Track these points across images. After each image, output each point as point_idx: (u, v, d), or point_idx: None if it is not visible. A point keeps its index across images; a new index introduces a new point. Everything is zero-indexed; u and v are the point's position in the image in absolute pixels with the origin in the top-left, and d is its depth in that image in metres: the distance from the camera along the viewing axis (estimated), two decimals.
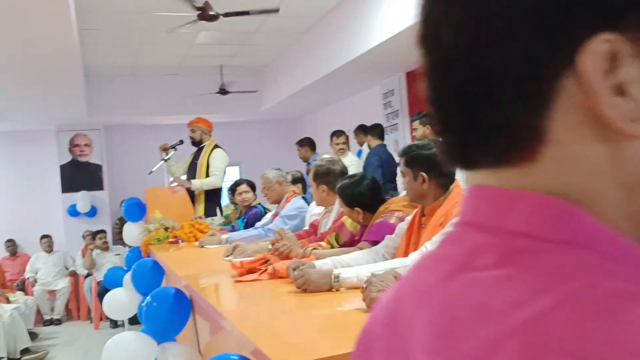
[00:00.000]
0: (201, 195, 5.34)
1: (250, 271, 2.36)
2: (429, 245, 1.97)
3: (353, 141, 6.59)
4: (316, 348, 1.26)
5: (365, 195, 2.65)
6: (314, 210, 3.69)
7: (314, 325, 1.53)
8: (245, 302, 1.99)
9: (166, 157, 5.45)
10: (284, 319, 1.63)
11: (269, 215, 4.44)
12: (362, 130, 6.37)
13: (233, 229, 4.60)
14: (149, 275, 3.68)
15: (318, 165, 3.18)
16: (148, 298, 2.58)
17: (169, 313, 2.52)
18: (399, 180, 5.78)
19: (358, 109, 7.73)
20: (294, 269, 2.04)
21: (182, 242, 4.42)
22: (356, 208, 2.66)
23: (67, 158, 8.66)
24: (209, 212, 5.34)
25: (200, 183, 5.25)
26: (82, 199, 8.53)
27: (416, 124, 5.09)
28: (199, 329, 2.73)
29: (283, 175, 4.30)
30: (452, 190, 2.16)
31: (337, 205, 3.08)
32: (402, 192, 2.90)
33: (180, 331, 2.61)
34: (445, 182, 2.19)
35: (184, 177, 5.57)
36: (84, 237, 8.33)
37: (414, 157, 2.18)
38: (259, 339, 1.35)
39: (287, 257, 2.45)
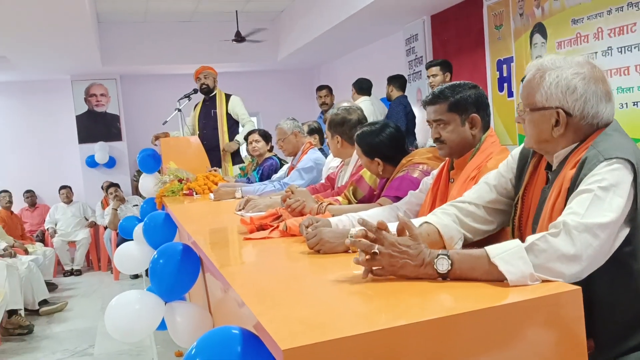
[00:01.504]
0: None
1: (261, 228, 2.19)
2: None
3: (376, 90, 6.32)
4: (326, 326, 1.08)
5: (387, 145, 2.41)
6: (332, 163, 3.50)
7: (327, 294, 1.35)
8: (253, 264, 1.82)
9: (180, 107, 5.33)
10: (294, 286, 1.46)
11: (284, 168, 4.26)
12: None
13: (249, 181, 4.46)
14: (161, 229, 3.57)
15: (334, 114, 2.96)
16: (155, 254, 2.44)
17: (177, 270, 2.38)
18: (418, 132, 5.58)
19: (379, 56, 7.41)
20: (307, 227, 1.86)
21: (197, 194, 4.29)
22: (376, 159, 2.43)
23: (83, 108, 8.54)
24: (237, 160, 5.41)
25: (242, 137, 5.27)
26: (100, 150, 8.46)
27: (436, 69, 4.86)
28: (209, 287, 2.59)
29: (299, 126, 4.09)
30: (484, 140, 1.93)
31: (355, 158, 2.87)
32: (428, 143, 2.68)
33: (189, 290, 2.47)
34: (487, 125, 1.95)
35: (196, 133, 5.49)
36: (103, 188, 8.31)
37: (462, 99, 1.92)
38: (263, 310, 1.19)
39: (301, 214, 2.27)
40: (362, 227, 1.41)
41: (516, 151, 1.68)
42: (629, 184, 1.31)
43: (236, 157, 5.46)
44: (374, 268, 1.35)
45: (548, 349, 1.14)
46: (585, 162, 1.37)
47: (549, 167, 1.55)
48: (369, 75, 6.36)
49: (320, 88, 6.51)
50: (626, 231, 1.31)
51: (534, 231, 1.51)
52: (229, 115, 5.40)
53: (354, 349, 1.00)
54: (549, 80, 1.45)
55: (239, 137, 5.33)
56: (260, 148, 4.74)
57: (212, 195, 3.97)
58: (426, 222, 1.61)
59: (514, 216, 1.60)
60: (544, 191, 1.53)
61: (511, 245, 1.25)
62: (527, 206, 1.58)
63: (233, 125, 5.44)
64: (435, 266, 1.29)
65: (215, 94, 5.44)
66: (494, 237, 1.66)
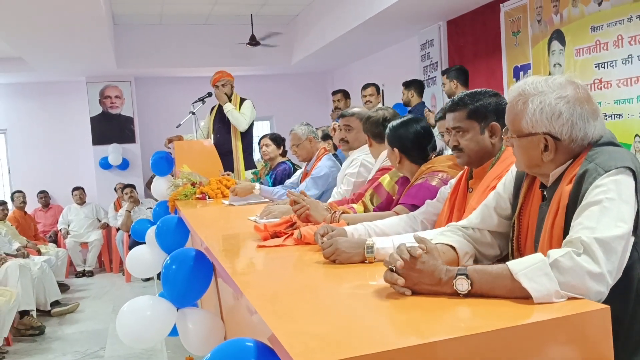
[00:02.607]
0: (238, 150, 5.27)
1: (275, 235, 2.16)
2: None
3: (390, 96, 6.28)
4: (343, 342, 1.05)
5: (409, 140, 2.37)
6: (348, 170, 3.46)
7: (343, 307, 1.31)
8: (267, 273, 1.79)
9: (194, 110, 5.31)
10: (309, 297, 1.42)
11: (298, 173, 4.23)
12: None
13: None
14: (173, 233, 3.55)
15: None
16: (167, 260, 2.42)
17: (189, 277, 2.36)
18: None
19: (393, 61, 7.37)
20: (322, 236, 1.83)
21: (209, 198, 4.27)
22: (395, 149, 2.39)
23: (98, 110, 8.57)
24: (249, 165, 5.29)
25: (231, 111, 5.09)
26: (113, 152, 8.49)
27: (444, 78, 4.88)
28: (221, 294, 2.57)
29: (313, 132, 4.06)
30: (505, 149, 1.88)
31: (380, 160, 2.86)
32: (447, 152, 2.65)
33: (201, 296, 2.45)
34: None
35: (210, 137, 5.42)
36: (116, 189, 8.33)
37: (482, 107, 1.88)
38: (278, 323, 1.16)
39: (308, 221, 2.23)
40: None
41: (514, 168, 1.64)
42: (633, 191, 1.29)
43: (249, 161, 5.42)
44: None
45: None
46: (584, 176, 1.34)
47: (543, 185, 1.53)
48: (383, 81, 6.33)
49: (335, 92, 6.47)
50: (632, 240, 1.28)
51: (535, 251, 1.48)
52: None
53: None
54: (532, 106, 1.42)
55: (230, 105, 5.11)
56: (271, 152, 4.69)
57: (228, 200, 3.93)
58: (436, 243, 1.56)
59: (512, 237, 1.58)
60: (541, 209, 1.50)
61: (534, 260, 1.21)
62: (524, 226, 1.56)
63: (246, 131, 5.37)
64: (454, 287, 1.25)
65: (231, 99, 5.40)
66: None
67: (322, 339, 1.06)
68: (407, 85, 5.65)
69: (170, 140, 5.27)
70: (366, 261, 1.67)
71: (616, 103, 3.95)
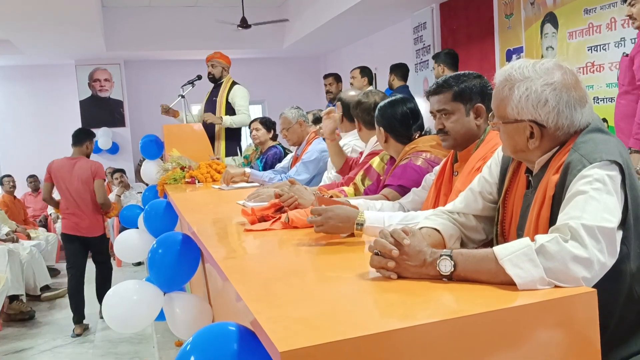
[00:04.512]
0: (221, 133, 5.18)
1: (262, 219, 2.14)
2: None
3: (383, 80, 6.24)
4: (327, 327, 1.03)
5: (396, 119, 2.38)
6: None
7: (328, 291, 1.29)
8: (253, 257, 1.77)
9: (184, 93, 5.24)
10: (294, 281, 1.40)
11: (288, 157, 4.19)
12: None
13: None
14: (162, 217, 3.52)
15: (353, 96, 3.01)
16: (154, 244, 2.39)
17: (176, 261, 2.33)
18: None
19: (386, 45, 7.32)
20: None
21: (199, 182, 4.23)
22: (381, 127, 2.42)
23: (87, 93, 8.49)
24: (230, 151, 5.19)
25: (230, 120, 5.07)
26: (103, 135, 8.41)
27: (435, 63, 4.87)
28: (209, 279, 2.55)
29: (303, 115, 4.02)
30: (489, 130, 1.87)
31: (371, 144, 2.86)
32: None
33: (188, 280, 2.43)
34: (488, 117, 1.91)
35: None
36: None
37: (467, 88, 1.87)
38: (261, 308, 1.13)
39: (296, 208, 2.22)
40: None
41: (500, 151, 1.62)
42: (619, 185, 1.27)
43: (230, 148, 5.29)
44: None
45: (559, 354, 1.09)
46: (569, 167, 1.32)
47: (529, 170, 1.51)
48: (376, 64, 6.28)
49: (326, 76, 6.42)
50: (620, 234, 1.26)
51: (518, 237, 1.44)
52: (228, 104, 5.19)
53: (355, 352, 0.95)
54: (518, 93, 1.39)
55: (226, 119, 5.08)
56: (261, 136, 4.65)
57: (220, 185, 3.88)
58: (422, 227, 1.56)
59: (497, 221, 1.56)
60: (526, 196, 1.48)
61: (520, 245, 1.18)
62: (508, 211, 1.54)
63: (232, 114, 5.29)
64: (437, 267, 1.23)
65: (222, 82, 5.33)
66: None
67: (305, 324, 1.04)
68: (391, 69, 5.65)
69: (166, 109, 5.18)
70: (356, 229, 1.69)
71: (608, 86, 3.93)
